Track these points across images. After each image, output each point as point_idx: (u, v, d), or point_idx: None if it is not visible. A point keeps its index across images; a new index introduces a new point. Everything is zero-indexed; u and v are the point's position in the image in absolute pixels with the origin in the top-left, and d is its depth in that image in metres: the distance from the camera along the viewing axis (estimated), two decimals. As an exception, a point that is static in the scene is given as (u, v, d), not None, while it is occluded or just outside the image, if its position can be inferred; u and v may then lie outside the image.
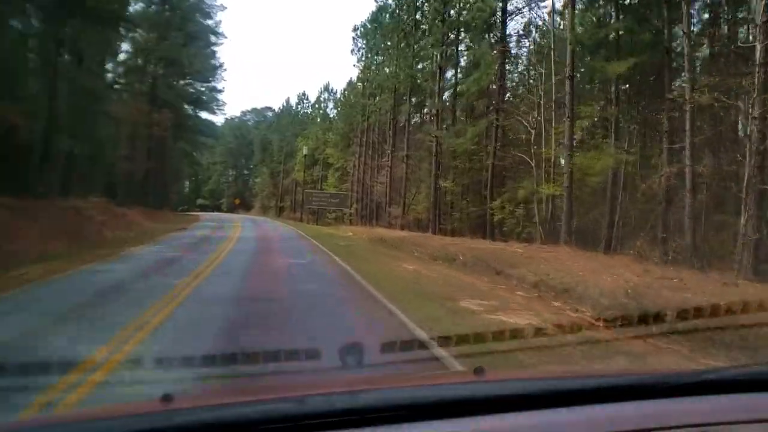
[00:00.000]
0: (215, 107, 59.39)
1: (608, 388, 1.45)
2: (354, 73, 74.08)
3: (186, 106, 50.12)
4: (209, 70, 45.13)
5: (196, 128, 50.27)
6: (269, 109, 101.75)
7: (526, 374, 2.86)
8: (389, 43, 35.49)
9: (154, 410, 1.36)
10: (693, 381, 1.48)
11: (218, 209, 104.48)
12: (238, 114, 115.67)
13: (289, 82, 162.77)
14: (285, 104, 73.53)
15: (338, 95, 58.67)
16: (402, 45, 32.62)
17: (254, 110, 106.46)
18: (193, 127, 49.64)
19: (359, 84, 46.64)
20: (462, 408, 1.35)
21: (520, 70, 27.97)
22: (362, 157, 40.85)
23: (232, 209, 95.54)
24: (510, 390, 1.50)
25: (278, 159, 73.79)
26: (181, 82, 45.29)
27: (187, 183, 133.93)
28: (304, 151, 49.37)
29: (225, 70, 54.74)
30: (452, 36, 27.67)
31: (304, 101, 68.53)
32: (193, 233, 26.32)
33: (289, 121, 72.40)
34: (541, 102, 21.26)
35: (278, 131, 74.64)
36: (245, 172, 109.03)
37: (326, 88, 60.96)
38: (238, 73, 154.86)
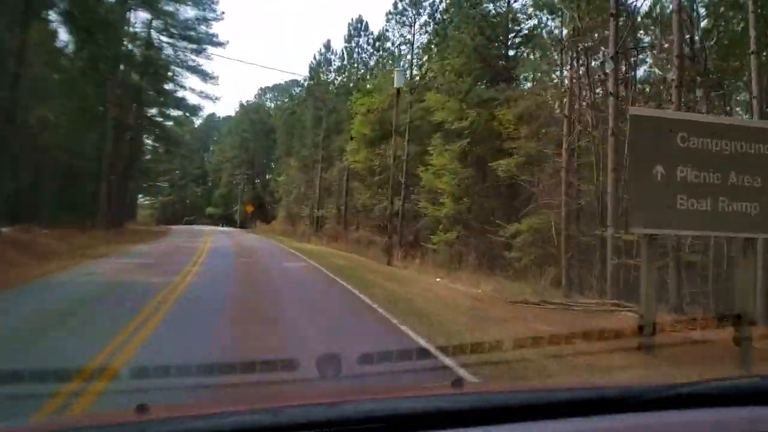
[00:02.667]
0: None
1: (585, 402, 1.43)
2: None
3: None
4: None
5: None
6: (295, 83, 73.77)
7: (504, 387, 2.80)
8: None
9: (128, 421, 1.32)
10: (667, 394, 1.45)
11: (229, 221, 76.64)
12: (253, 96, 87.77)
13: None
14: (323, 51, 44.58)
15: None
16: None
17: (275, 87, 78.30)
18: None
19: None
20: (441, 420, 1.33)
21: None
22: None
23: (245, 221, 67.71)
24: (489, 402, 1.49)
25: (314, 140, 45.08)
26: None
27: (199, 189, 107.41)
28: (397, 81, 20.29)
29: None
30: None
31: (362, 34, 39.16)
32: None
33: (330, 78, 43.81)
34: None
35: (313, 99, 45.94)
36: (267, 176, 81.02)
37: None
38: (252, 45, 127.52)
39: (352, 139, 35.95)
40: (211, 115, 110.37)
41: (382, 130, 33.03)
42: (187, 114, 40.63)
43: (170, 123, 40.96)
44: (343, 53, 41.20)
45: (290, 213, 56.02)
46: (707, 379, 1.66)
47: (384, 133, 32.72)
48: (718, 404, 1.42)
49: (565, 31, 19.48)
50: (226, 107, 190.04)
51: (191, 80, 38.28)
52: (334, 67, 43.01)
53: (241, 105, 78.54)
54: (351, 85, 39.71)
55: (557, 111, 19.45)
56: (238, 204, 73.13)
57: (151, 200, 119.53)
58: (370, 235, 31.20)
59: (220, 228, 56.67)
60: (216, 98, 34.89)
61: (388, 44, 36.13)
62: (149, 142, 59.45)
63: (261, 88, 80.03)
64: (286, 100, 74.69)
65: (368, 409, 1.41)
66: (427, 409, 1.41)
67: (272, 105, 77.20)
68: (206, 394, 3.53)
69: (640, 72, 20.60)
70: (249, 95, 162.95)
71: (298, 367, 3.06)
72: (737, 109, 21.45)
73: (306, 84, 48.13)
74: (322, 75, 45.11)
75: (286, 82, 76.17)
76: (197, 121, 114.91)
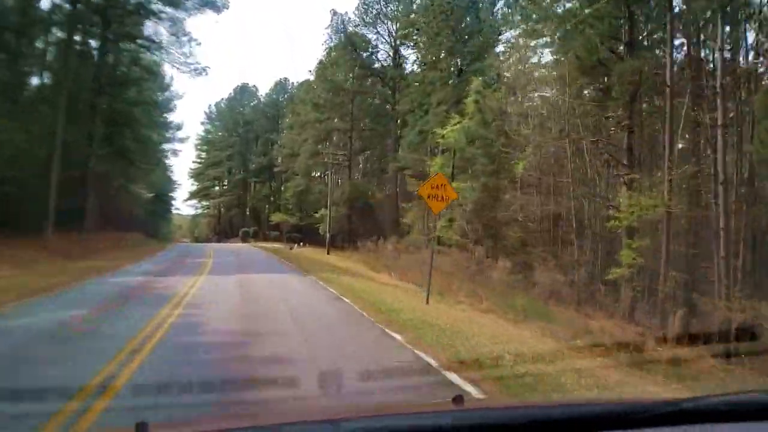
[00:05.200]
0: None
1: (587, 418, 1.41)
2: None
3: None
4: None
5: None
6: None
7: (505, 403, 2.69)
8: None
9: None
10: (671, 410, 1.44)
11: (309, 234, 43.29)
12: (353, 13, 49.68)
13: None
14: None
15: None
16: None
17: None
18: None
19: None
20: None
21: None
22: None
23: (335, 238, 33.76)
24: (490, 419, 1.47)
25: None
26: None
27: (265, 188, 76.08)
28: None
29: None
30: None
31: None
32: None
33: None
34: None
35: None
36: (376, 151, 46.00)
37: None
38: None
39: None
40: (282, 82, 77.24)
41: None
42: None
43: None
44: None
45: (472, 233, 19.80)
46: (711, 394, 1.61)
47: None
48: (721, 420, 1.40)
49: None
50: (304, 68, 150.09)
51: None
52: None
53: (334, 19, 42.54)
54: None
55: None
56: (327, 208, 37.72)
57: (203, 205, 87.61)
58: None
59: (267, 279, 21.00)
60: None
61: None
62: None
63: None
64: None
65: (369, 426, 1.39)
66: (427, 426, 1.39)
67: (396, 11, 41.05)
68: (207, 411, 3.24)
69: None
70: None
71: (299, 384, 3.04)
72: None
73: None
74: None
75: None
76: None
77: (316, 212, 43.71)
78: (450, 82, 25.83)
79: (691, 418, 1.40)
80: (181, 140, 64.48)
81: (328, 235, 36.64)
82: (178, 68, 26.11)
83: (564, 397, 4.18)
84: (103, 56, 25.59)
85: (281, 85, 73.60)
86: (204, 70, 27.26)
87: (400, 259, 26.41)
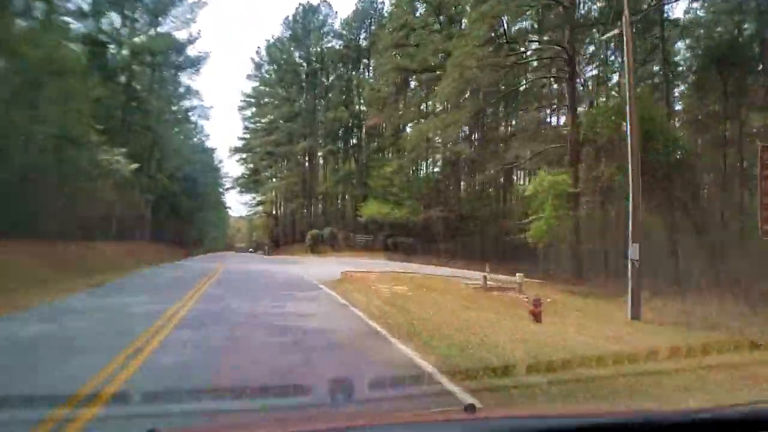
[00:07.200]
0: None
1: (603, 427, 1.39)
2: None
3: None
4: None
5: None
6: None
7: (517, 412, 2.66)
8: None
9: None
10: (686, 420, 1.41)
11: (421, 245, 23.85)
12: None
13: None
14: None
15: None
16: None
17: None
18: None
19: None
20: None
21: None
22: None
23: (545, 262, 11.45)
24: (502, 428, 1.45)
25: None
26: None
27: (354, 158, 51.17)
28: None
29: None
30: None
31: None
32: None
33: None
34: None
35: None
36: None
37: None
38: None
39: None
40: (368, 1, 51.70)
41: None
42: None
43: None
44: None
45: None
46: (726, 405, 1.56)
47: None
48: (738, 429, 1.37)
49: None
50: None
51: None
52: None
53: None
54: None
55: None
56: (630, 163, 11.80)
57: (257, 201, 63.27)
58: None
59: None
60: None
61: None
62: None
63: None
64: None
65: None
66: None
67: None
68: (217, 419, 3.25)
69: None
70: None
71: (310, 392, 2.98)
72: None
73: None
74: None
75: None
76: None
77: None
78: None
79: (707, 428, 1.37)
80: (195, 66, 39.46)
81: (634, 257, 10.67)
82: None
83: (578, 406, 3.97)
84: None
85: (364, 9, 48.22)
86: None
87: None
